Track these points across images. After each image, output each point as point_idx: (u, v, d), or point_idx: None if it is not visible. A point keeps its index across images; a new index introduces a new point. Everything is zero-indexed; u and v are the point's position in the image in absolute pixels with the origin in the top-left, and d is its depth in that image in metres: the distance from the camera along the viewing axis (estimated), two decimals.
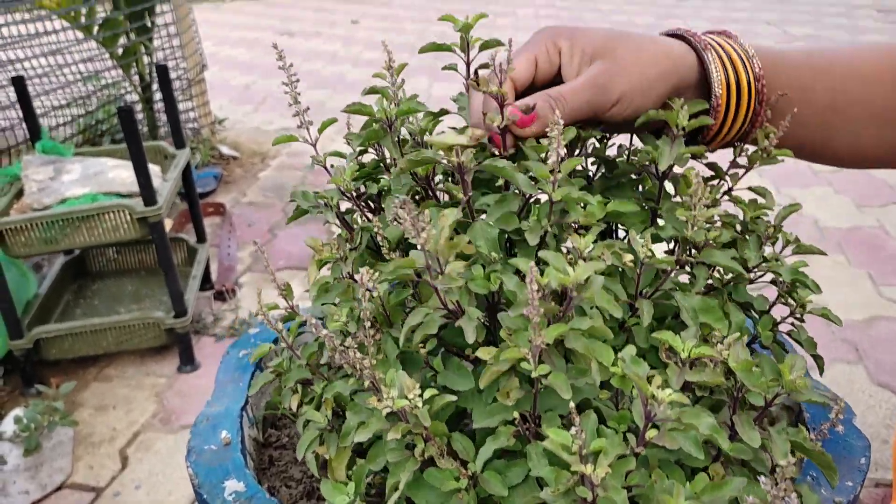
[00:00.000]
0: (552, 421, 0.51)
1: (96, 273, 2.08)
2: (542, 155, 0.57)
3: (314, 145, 0.72)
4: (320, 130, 0.67)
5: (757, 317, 0.63)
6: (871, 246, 2.19)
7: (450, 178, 0.64)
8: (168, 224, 2.44)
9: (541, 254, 0.51)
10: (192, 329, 1.88)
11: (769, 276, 0.63)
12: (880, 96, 0.61)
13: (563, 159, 0.53)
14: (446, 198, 0.63)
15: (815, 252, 0.63)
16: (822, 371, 0.64)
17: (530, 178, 0.55)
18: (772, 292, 0.63)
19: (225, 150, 3.19)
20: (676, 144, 0.56)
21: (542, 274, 0.48)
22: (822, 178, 2.62)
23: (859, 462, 0.62)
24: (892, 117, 0.62)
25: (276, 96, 4.12)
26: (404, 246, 0.62)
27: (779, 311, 0.63)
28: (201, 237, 2.10)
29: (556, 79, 0.60)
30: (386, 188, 0.65)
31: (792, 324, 0.62)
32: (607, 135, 0.65)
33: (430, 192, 0.61)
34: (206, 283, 2.07)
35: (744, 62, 0.59)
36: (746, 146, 0.62)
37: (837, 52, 0.64)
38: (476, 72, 0.62)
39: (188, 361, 1.73)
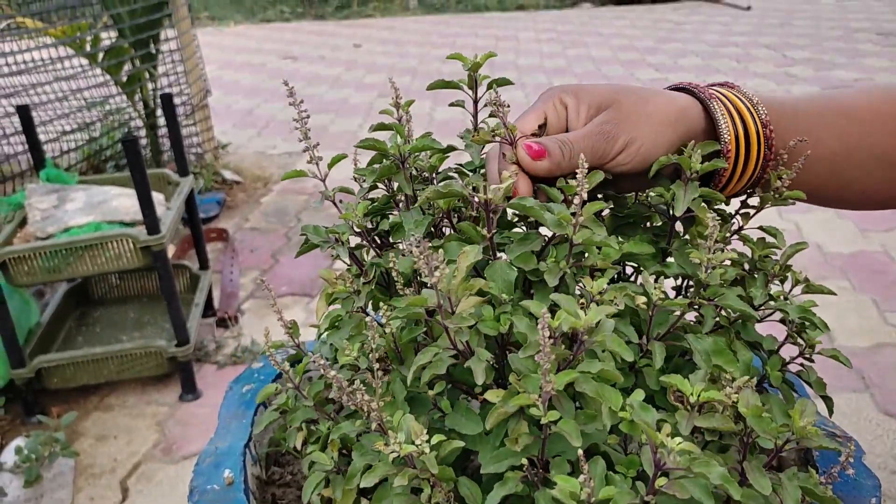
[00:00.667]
0: (561, 467, 0.50)
1: (98, 300, 2.07)
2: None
3: (324, 181, 0.72)
4: (330, 166, 0.67)
5: (766, 356, 0.62)
6: (875, 271, 2.19)
7: (457, 216, 0.64)
8: (171, 250, 2.44)
9: (553, 296, 0.50)
10: (193, 357, 1.87)
11: (778, 315, 0.63)
12: (882, 139, 0.61)
13: (585, 202, 0.53)
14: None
15: (826, 292, 0.62)
16: (831, 412, 0.63)
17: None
18: (780, 330, 0.63)
19: (228, 174, 3.20)
20: (690, 188, 0.56)
21: (553, 316, 0.48)
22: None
23: (870, 503, 0.62)
24: None
25: (280, 120, 4.14)
26: (418, 282, 0.62)
27: (788, 350, 0.63)
28: (204, 264, 2.10)
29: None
30: (398, 224, 0.65)
31: (801, 364, 0.62)
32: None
33: (451, 227, 0.61)
34: (208, 309, 2.06)
35: (749, 110, 0.59)
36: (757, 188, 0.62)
37: (836, 97, 0.64)
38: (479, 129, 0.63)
39: (190, 390, 1.73)
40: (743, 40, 6.04)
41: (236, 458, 0.73)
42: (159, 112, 2.86)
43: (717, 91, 0.61)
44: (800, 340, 0.62)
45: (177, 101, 2.78)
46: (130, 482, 1.47)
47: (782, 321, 0.63)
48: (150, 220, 1.55)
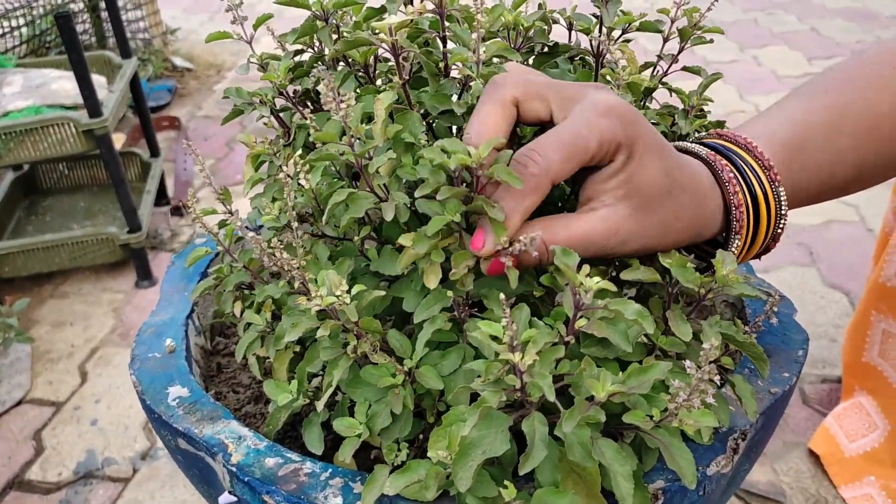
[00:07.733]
0: (494, 301, 0.51)
1: (47, 190, 2.02)
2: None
3: (250, 43, 0.70)
4: (255, 26, 0.65)
5: None
6: None
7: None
8: (121, 139, 2.37)
9: (438, 143, 0.48)
10: (148, 245, 1.85)
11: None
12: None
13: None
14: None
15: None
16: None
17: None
18: None
19: (178, 61, 3.08)
20: (612, 3, 0.56)
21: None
22: (786, 85, 2.61)
23: (797, 354, 0.63)
24: None
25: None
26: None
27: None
28: (154, 151, 2.04)
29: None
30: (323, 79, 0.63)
31: None
32: None
33: (369, 80, 0.60)
34: (163, 198, 2.03)
35: (762, 183, 0.53)
36: None
37: (847, 101, 0.57)
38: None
39: (145, 276, 1.72)
40: None
41: (178, 328, 0.73)
42: None
43: (731, 152, 0.54)
44: None
45: None
46: (89, 366, 1.48)
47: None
48: (91, 102, 1.49)
